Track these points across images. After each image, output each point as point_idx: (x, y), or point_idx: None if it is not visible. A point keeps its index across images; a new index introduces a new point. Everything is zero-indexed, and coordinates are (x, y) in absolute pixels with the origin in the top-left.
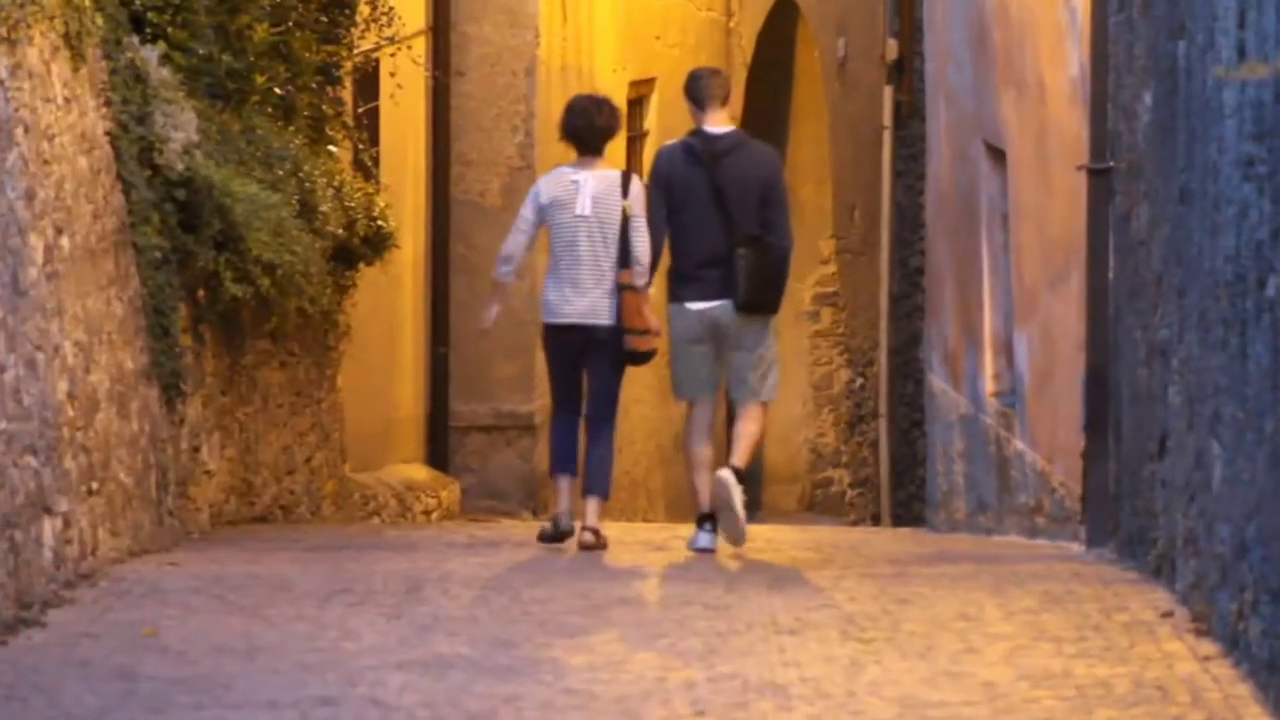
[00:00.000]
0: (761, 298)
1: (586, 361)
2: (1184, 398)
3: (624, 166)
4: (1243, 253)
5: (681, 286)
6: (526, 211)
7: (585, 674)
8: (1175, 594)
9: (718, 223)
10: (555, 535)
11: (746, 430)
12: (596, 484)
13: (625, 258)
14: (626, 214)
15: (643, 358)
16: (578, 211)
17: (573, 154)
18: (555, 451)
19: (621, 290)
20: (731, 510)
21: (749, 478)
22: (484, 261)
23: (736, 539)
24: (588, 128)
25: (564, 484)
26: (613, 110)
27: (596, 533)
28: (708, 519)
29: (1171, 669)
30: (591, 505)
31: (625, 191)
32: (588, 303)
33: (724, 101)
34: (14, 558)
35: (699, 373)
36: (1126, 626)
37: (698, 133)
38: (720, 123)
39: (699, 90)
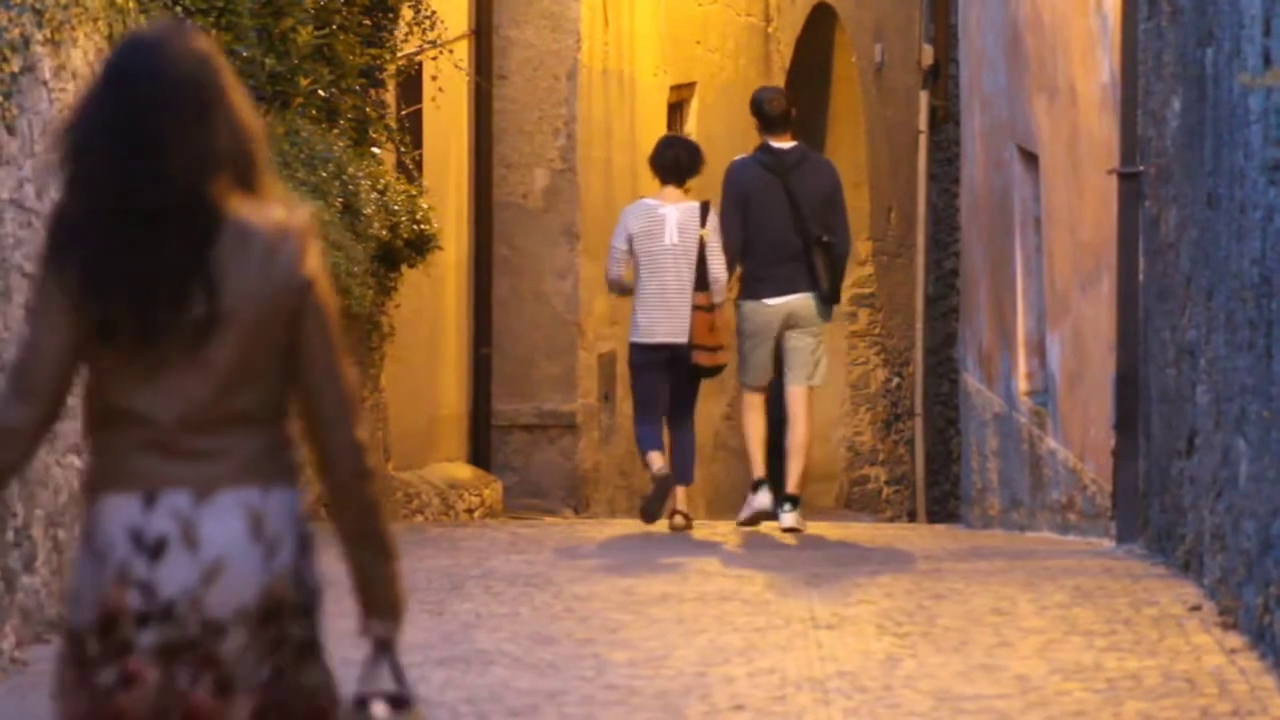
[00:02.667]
0: (834, 290)
1: (672, 374)
2: (1211, 397)
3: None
4: (1268, 256)
5: (758, 284)
6: (618, 242)
7: (626, 669)
8: (1203, 588)
9: (791, 226)
10: (660, 482)
11: (799, 440)
12: (682, 474)
13: (702, 280)
14: (704, 240)
15: (711, 372)
16: (666, 242)
17: (612, 163)
18: (643, 438)
19: (695, 310)
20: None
21: (782, 478)
22: (526, 263)
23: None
24: (677, 162)
25: (655, 455)
26: (698, 150)
27: (686, 516)
28: (762, 482)
29: (1199, 661)
30: (679, 493)
31: (703, 220)
32: (675, 323)
33: (788, 119)
34: (58, 556)
35: (767, 362)
36: (1155, 620)
37: (765, 148)
38: (785, 139)
39: (765, 109)
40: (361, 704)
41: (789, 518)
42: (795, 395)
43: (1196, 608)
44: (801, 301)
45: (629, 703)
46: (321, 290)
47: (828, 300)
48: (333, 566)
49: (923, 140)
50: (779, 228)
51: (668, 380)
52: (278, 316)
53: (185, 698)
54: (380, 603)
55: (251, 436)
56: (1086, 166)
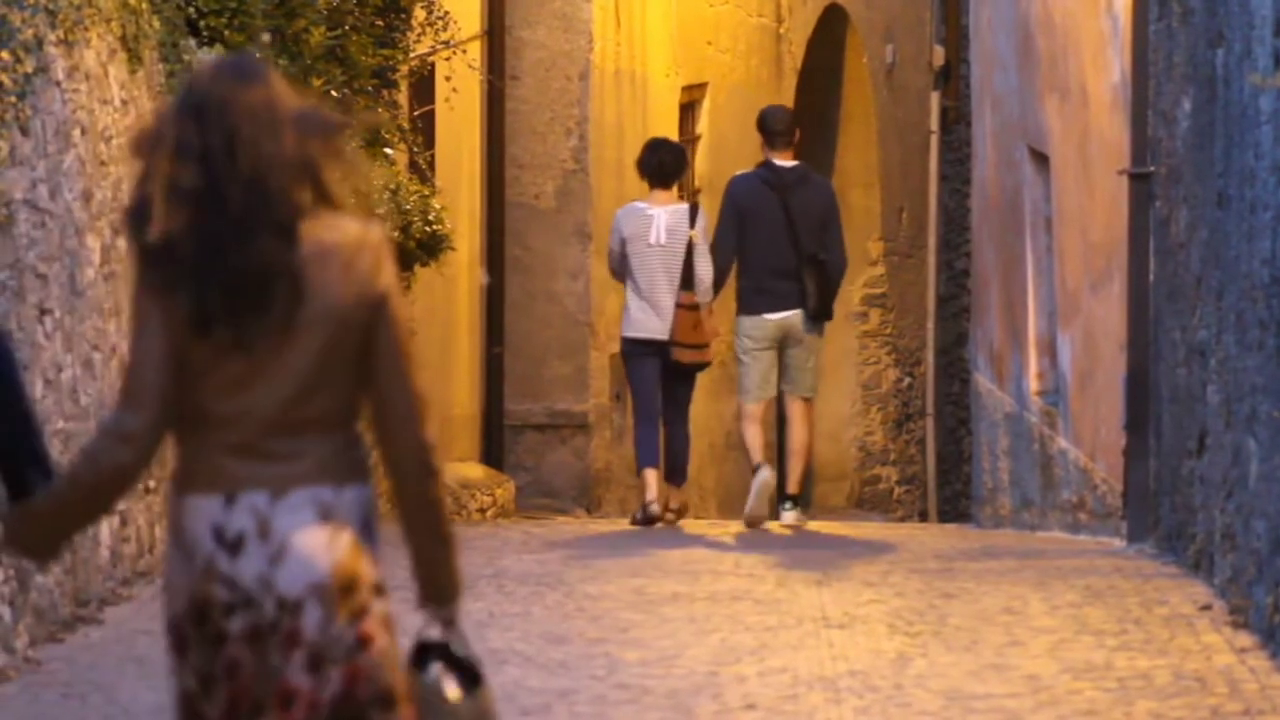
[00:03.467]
0: (825, 307)
1: (663, 370)
2: (1222, 397)
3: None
4: (1278, 256)
5: (755, 299)
6: (613, 244)
7: (638, 669)
8: (1213, 588)
9: (788, 243)
10: (645, 520)
11: (799, 444)
12: (674, 474)
13: (688, 280)
14: (693, 241)
15: (695, 368)
16: (651, 241)
17: (624, 164)
18: (640, 449)
19: (679, 308)
20: (761, 500)
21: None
22: (538, 263)
23: (758, 519)
24: (662, 165)
25: (650, 476)
26: (683, 152)
27: (678, 511)
28: (761, 465)
29: (1210, 661)
30: (672, 491)
31: (692, 222)
32: (661, 321)
33: (791, 138)
34: (71, 556)
35: (767, 376)
36: (1166, 620)
37: (768, 165)
38: (787, 158)
39: (771, 127)
40: (429, 677)
41: (789, 515)
42: (793, 406)
43: (1207, 607)
44: (797, 317)
45: (641, 702)
46: (395, 301)
47: (817, 317)
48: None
49: (934, 141)
50: (776, 244)
51: (660, 376)
52: (354, 325)
53: (277, 678)
54: (442, 588)
55: (326, 438)
56: (1097, 167)
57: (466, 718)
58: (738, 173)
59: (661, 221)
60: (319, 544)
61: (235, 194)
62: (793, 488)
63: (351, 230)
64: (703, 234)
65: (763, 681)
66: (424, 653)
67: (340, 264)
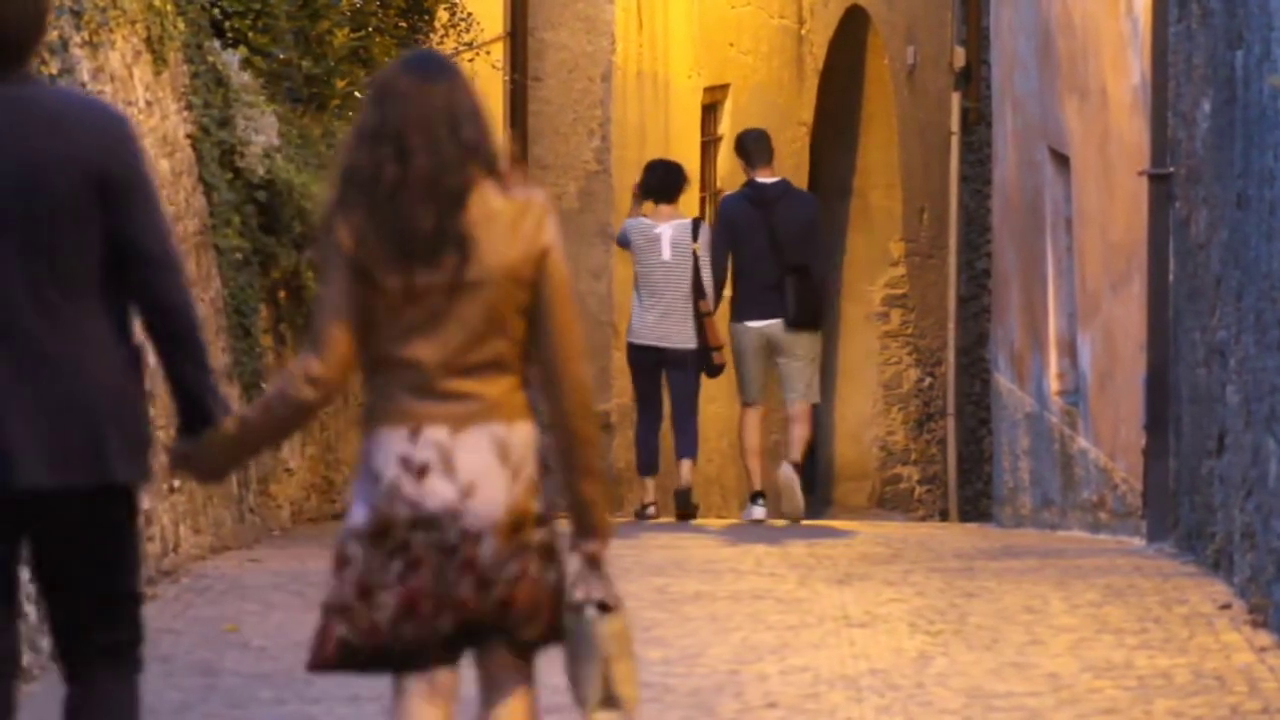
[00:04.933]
0: (806, 317)
1: (667, 375)
2: (1241, 397)
3: (699, 169)
4: None
5: (744, 308)
6: (620, 241)
7: (660, 667)
8: (1233, 587)
9: (771, 255)
10: (643, 517)
11: (799, 434)
12: (685, 449)
13: (699, 290)
14: (697, 254)
15: (718, 370)
16: (663, 258)
17: (643, 159)
18: (640, 455)
19: (702, 316)
20: (793, 493)
21: (817, 476)
22: None
23: (796, 514)
24: (663, 183)
25: (649, 483)
26: (682, 171)
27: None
28: (759, 495)
29: (1229, 659)
30: (684, 466)
31: (695, 236)
32: (663, 329)
33: (769, 157)
34: None
35: (759, 378)
36: (1186, 618)
37: (751, 183)
38: (768, 175)
39: (750, 150)
40: (576, 608)
41: (786, 469)
42: (795, 409)
43: (1226, 606)
44: (776, 326)
45: (663, 700)
46: (557, 256)
47: (797, 325)
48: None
49: (955, 142)
50: (761, 258)
51: (661, 381)
52: (521, 279)
53: (455, 591)
54: (591, 524)
55: (498, 379)
56: (1117, 168)
57: (607, 636)
58: (727, 193)
59: (667, 236)
60: (500, 484)
61: (411, 174)
62: (795, 456)
63: (517, 196)
64: (705, 246)
65: (784, 680)
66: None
67: (506, 225)
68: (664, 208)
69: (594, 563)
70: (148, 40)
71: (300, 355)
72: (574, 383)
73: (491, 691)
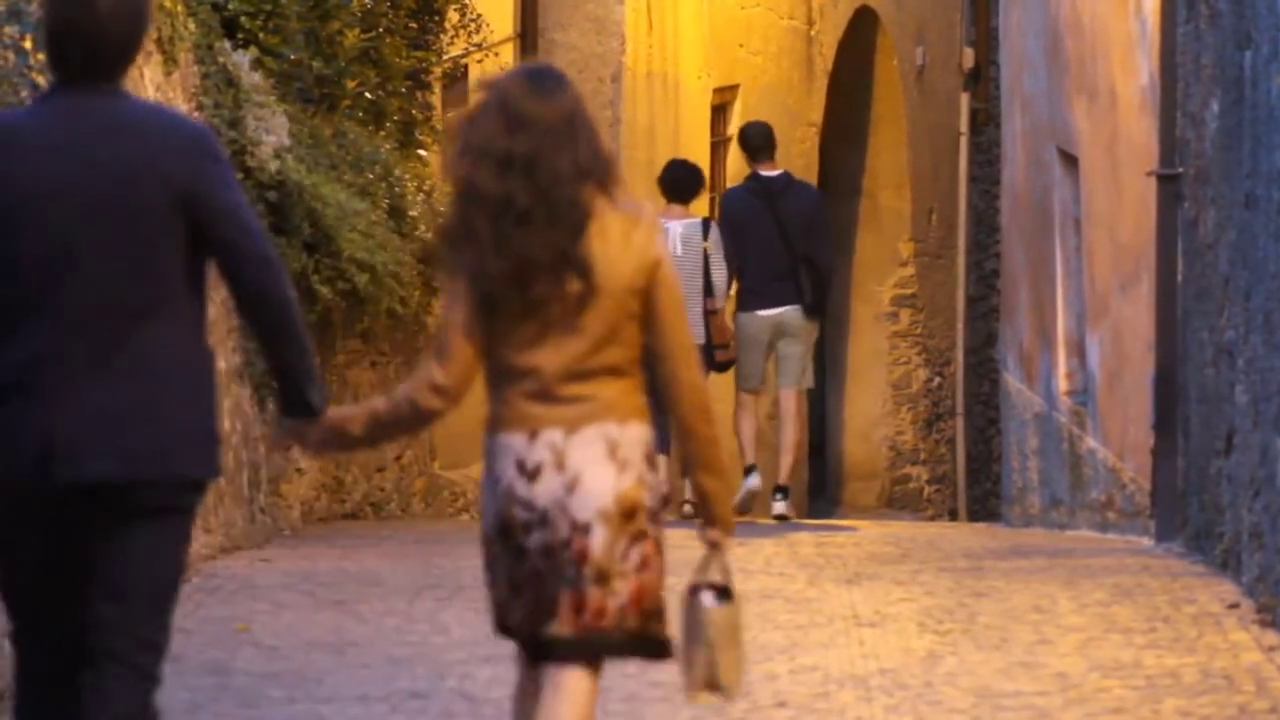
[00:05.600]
0: (820, 302)
1: None
2: (1249, 397)
3: (709, 170)
4: None
5: (752, 298)
6: None
7: (670, 666)
8: (1241, 586)
9: (779, 246)
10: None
11: (789, 441)
12: None
13: (708, 288)
14: (707, 253)
15: (725, 367)
16: (675, 254)
17: (656, 165)
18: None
19: (710, 314)
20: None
21: (826, 476)
22: None
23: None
24: (676, 182)
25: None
26: (700, 175)
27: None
28: (752, 467)
29: (1237, 659)
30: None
31: (705, 235)
32: None
33: (772, 150)
34: None
35: (760, 366)
36: (1194, 618)
37: (755, 176)
38: (771, 167)
39: (754, 144)
40: (694, 592)
41: (780, 505)
42: (785, 397)
43: (1234, 605)
44: (789, 313)
45: (673, 700)
46: (667, 266)
47: (812, 312)
48: (378, 565)
49: (964, 142)
50: (768, 248)
51: None
52: (635, 289)
53: (575, 585)
54: (714, 515)
55: (613, 383)
56: (1126, 168)
57: (719, 623)
58: (730, 187)
59: (677, 234)
60: (607, 476)
61: (533, 198)
62: (783, 479)
63: (628, 212)
64: (716, 244)
65: (794, 679)
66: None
67: (620, 239)
68: (675, 207)
69: (715, 551)
70: (158, 40)
71: (425, 365)
72: (689, 385)
73: (549, 696)
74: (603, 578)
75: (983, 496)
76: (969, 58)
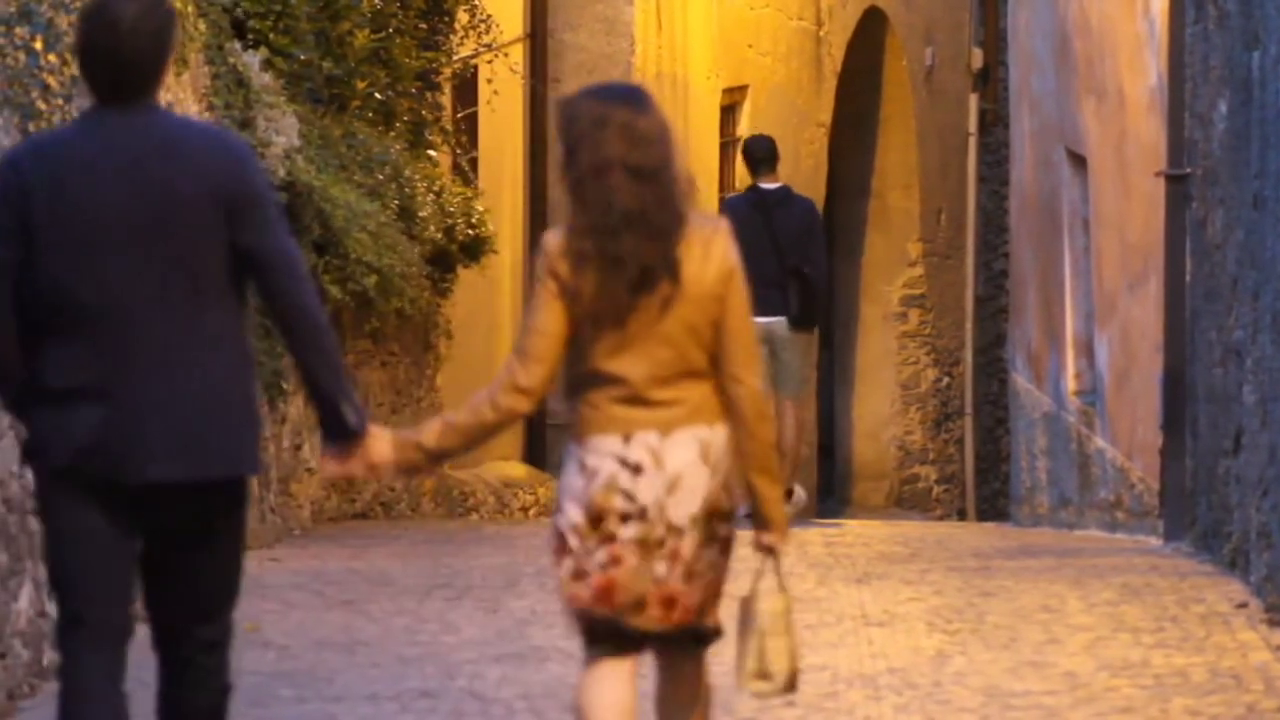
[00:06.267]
0: (807, 316)
1: None
2: (1258, 396)
3: (717, 170)
4: None
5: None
6: None
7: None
8: (1249, 586)
9: (772, 257)
10: None
11: (786, 445)
12: None
13: None
14: None
15: None
16: None
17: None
18: None
19: None
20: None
21: (835, 476)
22: None
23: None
24: None
25: None
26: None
27: None
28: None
29: (1246, 658)
30: None
31: None
32: None
33: (773, 164)
34: None
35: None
36: (1202, 617)
37: (754, 188)
38: (771, 180)
39: (757, 157)
40: (750, 595)
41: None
42: (784, 408)
43: (1243, 605)
44: (779, 324)
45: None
46: (740, 274)
47: (798, 324)
48: (388, 564)
49: (972, 143)
50: (762, 258)
51: None
52: (712, 296)
53: (665, 583)
54: (769, 518)
55: (697, 385)
56: (1134, 169)
57: (770, 613)
58: (728, 196)
59: None
60: (700, 482)
61: (655, 207)
62: (786, 483)
63: (705, 222)
64: None
65: (803, 679)
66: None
67: (701, 248)
68: None
69: (770, 554)
70: None
71: (508, 368)
72: (751, 390)
73: (670, 675)
74: (689, 577)
75: (991, 496)
76: (977, 58)
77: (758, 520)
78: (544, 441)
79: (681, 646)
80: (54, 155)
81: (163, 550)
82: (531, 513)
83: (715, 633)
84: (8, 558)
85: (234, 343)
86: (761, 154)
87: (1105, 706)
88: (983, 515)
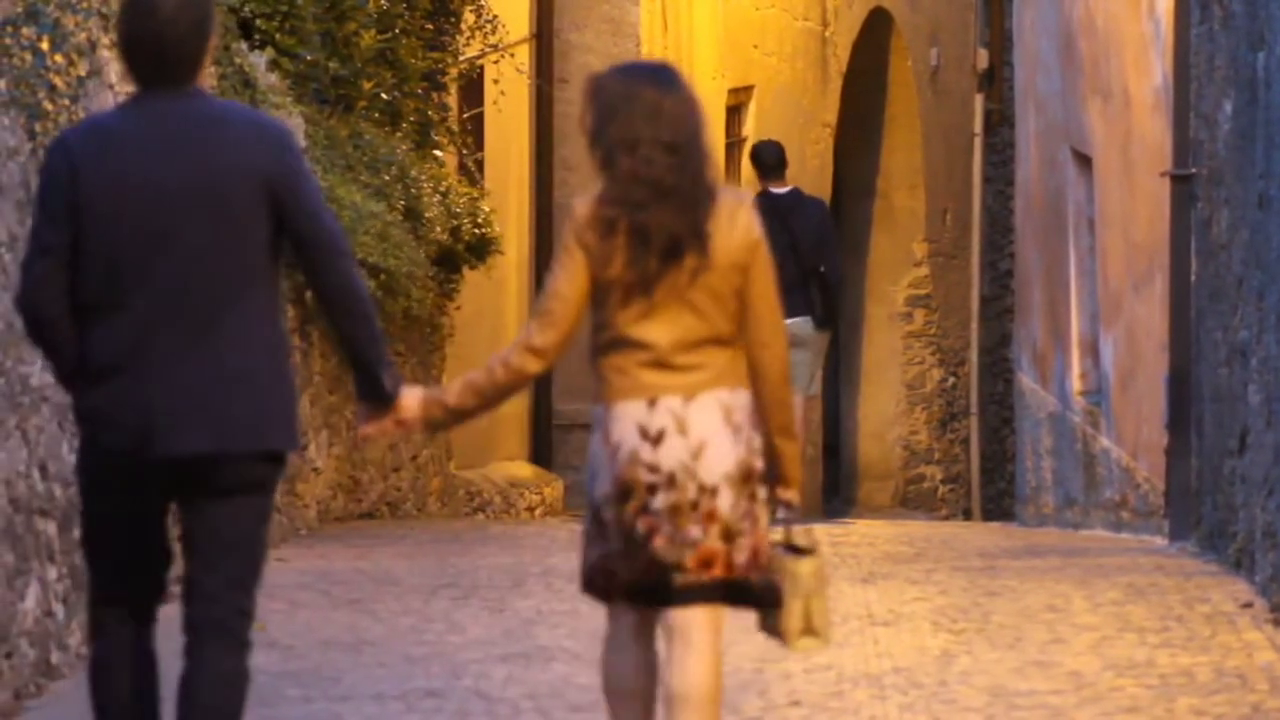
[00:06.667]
0: (827, 315)
1: None
2: (1263, 396)
3: (723, 171)
4: None
5: None
6: None
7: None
8: (1254, 585)
9: (790, 260)
10: None
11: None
12: None
13: None
14: None
15: None
16: None
17: None
18: None
19: None
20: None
21: (841, 476)
22: None
23: None
24: None
25: None
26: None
27: None
28: None
29: (1251, 658)
30: None
31: None
32: None
33: (783, 169)
34: None
35: None
36: (1208, 617)
37: (765, 193)
38: (782, 185)
39: (767, 163)
40: (781, 551)
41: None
42: (797, 404)
43: (1248, 605)
44: (798, 324)
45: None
46: (764, 245)
47: (821, 324)
48: (395, 564)
49: (978, 143)
50: (780, 262)
51: None
52: (740, 265)
53: (701, 544)
54: (787, 475)
55: (720, 353)
56: (1139, 169)
57: (810, 574)
58: None
59: None
60: (728, 442)
61: (682, 179)
62: None
63: (730, 194)
64: None
65: (808, 678)
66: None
67: (727, 220)
68: None
69: (791, 509)
70: None
71: (525, 328)
72: (775, 355)
73: (680, 638)
74: (729, 535)
75: (997, 496)
76: (983, 59)
77: (777, 477)
78: (550, 442)
79: (717, 600)
80: (101, 137)
81: (194, 516)
82: (538, 512)
83: (770, 591)
84: (14, 558)
85: (270, 321)
86: (771, 159)
87: (1110, 706)
88: (988, 515)
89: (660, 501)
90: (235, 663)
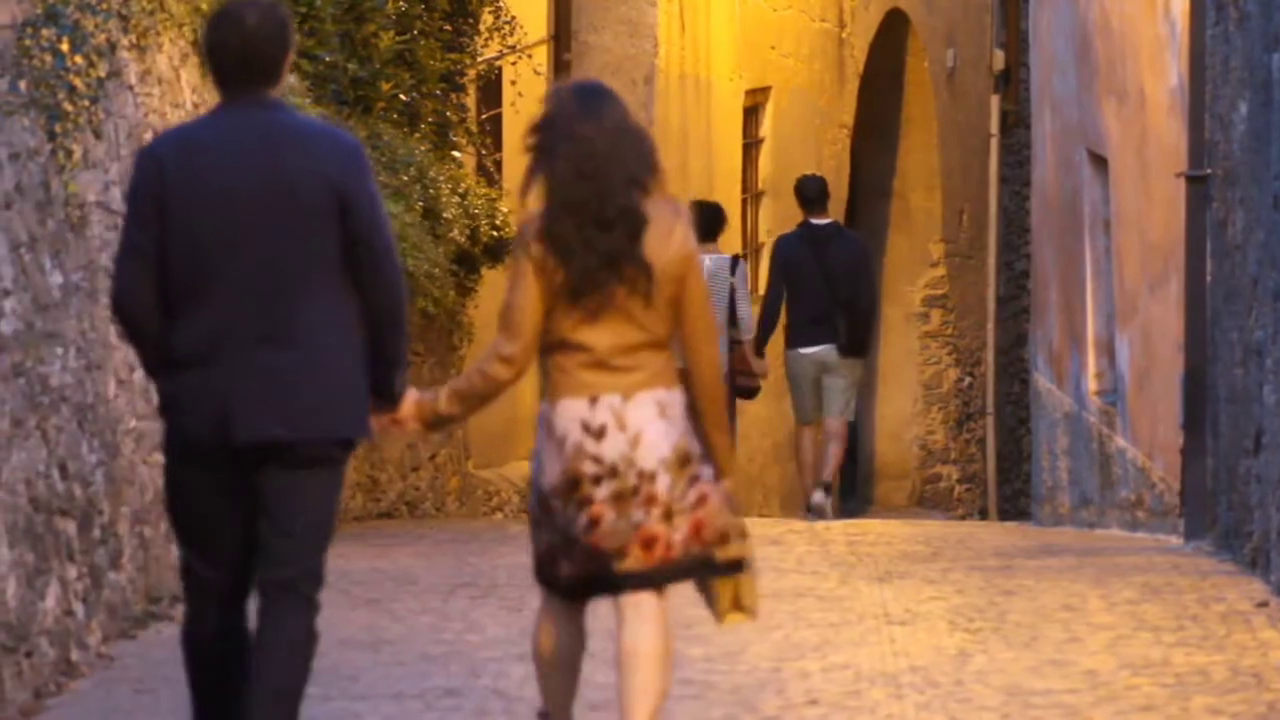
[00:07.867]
0: (854, 345)
1: None
2: (1278, 396)
3: (740, 171)
4: None
5: (797, 336)
6: None
7: (702, 665)
8: (1270, 584)
9: (824, 290)
10: None
11: (834, 451)
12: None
13: (732, 319)
14: (734, 287)
15: (749, 393)
16: None
17: (688, 168)
18: None
19: (735, 344)
20: (825, 514)
21: (858, 476)
22: None
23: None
24: (708, 222)
25: None
26: (722, 213)
27: None
28: (819, 485)
29: (1266, 657)
30: None
31: (733, 271)
32: None
33: (824, 203)
34: (144, 553)
35: (809, 399)
36: (1223, 616)
37: (806, 224)
38: (822, 217)
39: (810, 197)
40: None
41: (818, 495)
42: (831, 425)
43: (1263, 604)
44: (827, 351)
45: (705, 697)
46: (697, 256)
47: (846, 353)
48: (413, 563)
49: (994, 144)
50: (813, 291)
51: None
52: (673, 275)
53: (643, 526)
54: (720, 466)
55: (656, 355)
56: (1155, 170)
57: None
58: (781, 234)
59: (705, 267)
60: (662, 432)
61: (602, 205)
62: (825, 476)
63: (666, 208)
64: (741, 280)
65: (826, 677)
66: None
67: (663, 233)
68: (705, 244)
69: (725, 497)
70: (194, 43)
71: (496, 340)
72: (707, 357)
73: (631, 606)
74: (668, 515)
75: (1013, 495)
76: (999, 60)
77: (716, 467)
78: None
79: (658, 585)
80: (187, 145)
81: (269, 485)
82: None
83: (732, 565)
84: (35, 557)
85: (342, 319)
86: (813, 193)
87: (1126, 705)
88: (1004, 514)
89: (604, 491)
90: (305, 622)
